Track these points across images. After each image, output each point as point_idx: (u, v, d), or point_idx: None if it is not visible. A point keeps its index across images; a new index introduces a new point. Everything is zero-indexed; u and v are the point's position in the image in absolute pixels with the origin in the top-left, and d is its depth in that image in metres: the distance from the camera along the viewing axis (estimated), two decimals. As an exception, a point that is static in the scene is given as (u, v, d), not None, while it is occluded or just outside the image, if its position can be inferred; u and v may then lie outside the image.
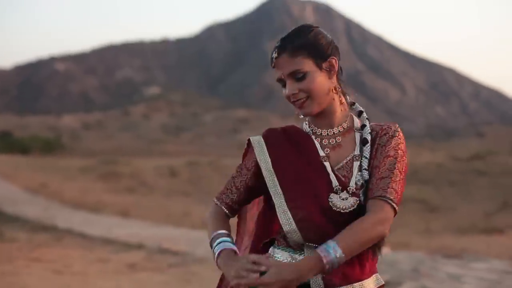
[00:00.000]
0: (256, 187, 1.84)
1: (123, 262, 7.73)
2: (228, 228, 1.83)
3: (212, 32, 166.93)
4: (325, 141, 1.81)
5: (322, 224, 1.70)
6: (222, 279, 1.90)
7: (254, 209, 1.97)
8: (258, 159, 1.82)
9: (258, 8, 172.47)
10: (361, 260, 1.73)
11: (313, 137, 1.82)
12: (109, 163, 27.09)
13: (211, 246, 1.78)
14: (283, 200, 1.75)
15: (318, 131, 1.83)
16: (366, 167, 1.74)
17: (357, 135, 1.80)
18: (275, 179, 1.78)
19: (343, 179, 1.74)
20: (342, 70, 1.85)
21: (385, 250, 1.74)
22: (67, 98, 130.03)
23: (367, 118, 1.83)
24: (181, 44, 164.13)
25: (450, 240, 10.43)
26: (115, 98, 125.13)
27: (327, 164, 1.76)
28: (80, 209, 14.44)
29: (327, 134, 1.81)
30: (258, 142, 1.85)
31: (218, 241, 1.75)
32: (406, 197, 15.67)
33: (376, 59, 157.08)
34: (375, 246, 1.74)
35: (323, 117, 1.81)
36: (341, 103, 1.82)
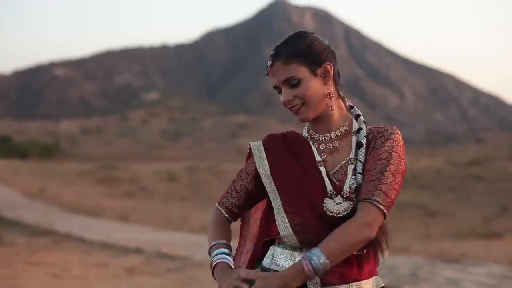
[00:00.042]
0: (255, 191, 1.87)
1: (122, 266, 7.72)
2: (228, 235, 1.87)
3: (212, 38, 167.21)
4: (322, 146, 1.82)
5: (318, 228, 1.71)
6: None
7: (257, 213, 1.99)
8: (257, 165, 1.85)
9: (257, 14, 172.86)
10: (360, 261, 1.75)
11: (310, 142, 1.84)
12: (108, 168, 27.09)
13: (209, 254, 1.82)
14: (281, 205, 1.78)
15: (316, 136, 1.84)
16: (360, 170, 1.75)
17: (354, 139, 1.81)
18: (273, 185, 1.80)
19: (337, 183, 1.76)
20: (340, 75, 1.86)
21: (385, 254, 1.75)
22: (66, 103, 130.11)
23: (363, 121, 1.83)
24: (180, 49, 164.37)
25: (449, 245, 10.44)
26: (114, 103, 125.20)
27: (322, 169, 1.77)
28: (79, 214, 14.43)
29: (324, 138, 1.83)
30: (258, 148, 1.87)
31: (215, 252, 1.80)
32: (405, 202, 15.79)
33: (375, 66, 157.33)
34: (376, 249, 1.75)
35: (320, 122, 1.83)
36: (339, 107, 1.84)
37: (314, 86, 1.77)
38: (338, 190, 1.74)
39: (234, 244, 1.92)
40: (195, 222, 13.63)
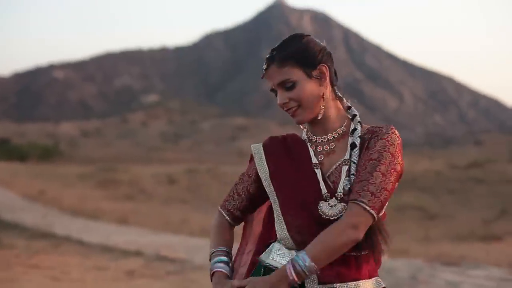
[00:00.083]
0: (257, 194, 1.89)
1: (122, 269, 7.71)
2: (228, 240, 1.91)
3: (211, 41, 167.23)
4: (319, 148, 1.83)
5: (313, 231, 1.72)
6: None
7: (260, 215, 2.00)
8: (257, 168, 1.87)
9: (256, 17, 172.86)
10: (359, 262, 1.75)
11: (308, 144, 1.85)
12: (108, 171, 27.07)
13: (210, 260, 1.87)
14: (278, 208, 1.80)
15: (314, 138, 1.85)
16: (354, 171, 1.74)
17: (350, 140, 1.81)
18: (272, 188, 1.82)
19: (332, 185, 1.76)
20: (337, 76, 1.86)
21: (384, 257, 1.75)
22: (65, 105, 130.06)
23: (359, 122, 1.83)
24: (180, 52, 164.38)
25: (448, 248, 10.43)
26: (114, 105, 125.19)
27: (318, 171, 1.78)
28: (78, 216, 14.41)
29: (322, 140, 1.83)
30: (258, 151, 1.89)
31: (214, 260, 1.85)
32: (404, 204, 15.80)
33: (375, 68, 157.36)
34: (375, 251, 1.75)
35: (317, 124, 1.83)
36: (336, 108, 1.84)
37: (309, 88, 1.77)
38: (333, 192, 1.75)
39: (237, 246, 1.94)
40: (194, 224, 13.62)
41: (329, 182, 1.77)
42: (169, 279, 7.18)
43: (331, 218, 1.72)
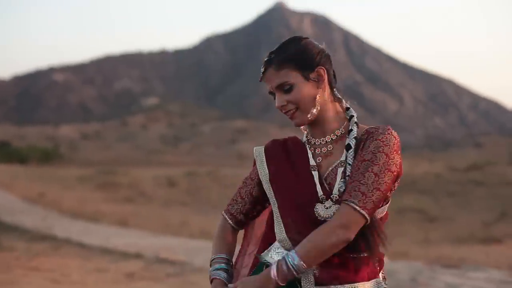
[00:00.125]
0: (260, 197, 1.91)
1: (121, 271, 7.71)
2: (231, 245, 1.94)
3: (211, 44, 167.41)
4: (318, 150, 1.83)
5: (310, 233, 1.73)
6: None
7: (262, 217, 2.01)
8: (258, 171, 1.89)
9: (256, 20, 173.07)
10: (358, 264, 1.75)
11: (307, 146, 1.85)
12: (108, 173, 27.09)
13: (210, 266, 1.91)
14: (277, 211, 1.82)
15: (313, 140, 1.85)
16: (349, 173, 1.74)
17: (347, 142, 1.81)
18: (272, 190, 1.84)
19: (328, 187, 1.76)
20: (336, 78, 1.86)
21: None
22: (65, 108, 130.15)
23: (355, 123, 1.82)
24: (180, 55, 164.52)
25: (448, 250, 10.44)
26: (114, 108, 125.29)
27: (315, 173, 1.78)
28: (78, 219, 14.41)
29: (320, 143, 1.84)
30: (259, 154, 1.91)
31: (214, 267, 1.88)
32: (404, 207, 15.81)
33: (375, 71, 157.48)
34: (371, 254, 1.75)
35: (316, 126, 1.84)
36: (334, 111, 1.84)
37: (307, 90, 1.78)
38: (328, 194, 1.75)
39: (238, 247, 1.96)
40: (194, 227, 13.63)
41: (325, 184, 1.77)
42: (169, 281, 7.18)
43: (327, 220, 1.72)
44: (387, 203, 1.79)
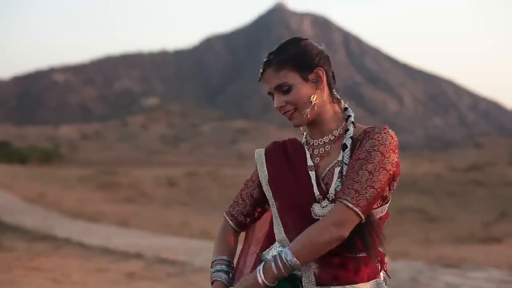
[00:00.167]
0: (260, 198, 1.93)
1: (122, 271, 7.72)
2: (232, 247, 1.96)
3: (211, 44, 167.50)
4: (316, 151, 1.84)
5: None
6: None
7: (263, 219, 2.02)
8: (258, 173, 1.91)
9: (256, 20, 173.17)
10: (358, 264, 1.75)
11: (306, 147, 1.86)
12: (108, 173, 27.10)
13: (211, 267, 1.93)
14: (276, 212, 1.83)
15: (311, 141, 1.86)
16: (345, 173, 1.75)
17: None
18: (270, 192, 1.86)
19: (325, 187, 1.77)
20: (335, 79, 1.87)
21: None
22: (65, 108, 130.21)
23: (352, 122, 1.83)
24: (180, 55, 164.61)
25: (448, 250, 10.44)
26: (114, 108, 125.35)
27: (312, 173, 1.79)
28: (78, 219, 14.41)
29: (318, 143, 1.84)
30: (260, 156, 1.93)
31: (215, 269, 1.91)
32: (405, 207, 15.81)
33: (374, 71, 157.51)
34: (369, 254, 1.75)
35: (314, 126, 1.85)
36: (333, 111, 1.84)
37: (305, 91, 1.78)
38: (325, 194, 1.76)
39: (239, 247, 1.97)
40: (195, 227, 13.63)
41: (322, 184, 1.78)
42: (169, 281, 7.18)
43: None
44: (386, 202, 1.79)
